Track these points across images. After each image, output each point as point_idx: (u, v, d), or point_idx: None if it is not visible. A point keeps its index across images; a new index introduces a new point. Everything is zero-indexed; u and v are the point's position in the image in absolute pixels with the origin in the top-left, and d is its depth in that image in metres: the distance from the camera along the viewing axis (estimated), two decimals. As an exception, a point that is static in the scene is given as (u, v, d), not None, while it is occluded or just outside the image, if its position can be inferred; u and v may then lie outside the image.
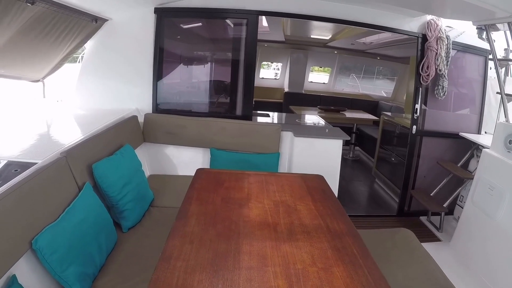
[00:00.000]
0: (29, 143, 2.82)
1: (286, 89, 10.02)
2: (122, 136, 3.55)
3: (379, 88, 10.63)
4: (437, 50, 4.72)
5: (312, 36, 8.32)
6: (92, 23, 3.88)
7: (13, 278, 1.75)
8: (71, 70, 4.90)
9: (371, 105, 10.05)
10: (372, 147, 7.51)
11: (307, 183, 3.10)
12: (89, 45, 4.38)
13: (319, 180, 3.22)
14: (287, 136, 4.37)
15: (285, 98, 9.74)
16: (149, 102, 4.43)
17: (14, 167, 2.40)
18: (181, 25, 4.72)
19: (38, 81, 4.38)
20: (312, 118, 6.24)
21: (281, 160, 4.32)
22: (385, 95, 10.43)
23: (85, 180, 2.63)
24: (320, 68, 10.74)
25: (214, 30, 4.83)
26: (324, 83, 10.61)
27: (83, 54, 4.58)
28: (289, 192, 2.86)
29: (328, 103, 9.52)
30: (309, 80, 10.39)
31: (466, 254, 4.09)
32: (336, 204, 2.74)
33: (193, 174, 3.93)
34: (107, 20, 4.17)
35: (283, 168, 4.40)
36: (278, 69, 10.38)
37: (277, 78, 10.39)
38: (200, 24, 4.73)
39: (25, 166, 2.27)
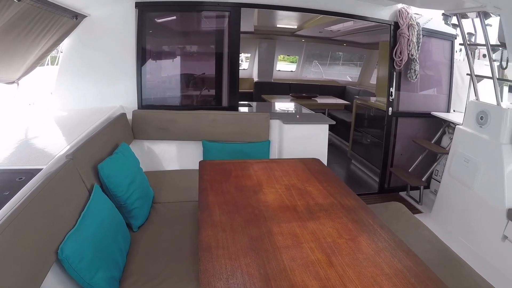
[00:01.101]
0: (23, 149, 2.74)
1: (256, 79, 10.13)
2: (115, 135, 3.50)
3: (345, 73, 10.94)
4: (409, 37, 5.01)
5: (280, 26, 8.47)
6: (72, 19, 3.77)
7: None
8: (42, 72, 4.79)
9: (339, 90, 10.38)
10: (345, 131, 7.81)
11: (308, 167, 3.26)
12: (66, 43, 4.22)
13: (317, 163, 3.39)
14: (275, 124, 4.50)
15: (255, 88, 9.84)
16: (134, 98, 4.37)
17: (17, 175, 2.19)
18: (163, 19, 4.68)
19: (12, 82, 4.20)
20: (291, 105, 6.41)
21: (271, 147, 4.44)
22: (350, 80, 10.74)
23: (91, 181, 2.58)
24: (287, 57, 10.89)
25: (196, 24, 4.84)
26: (292, 71, 10.81)
27: (60, 54, 4.49)
28: (295, 176, 3.00)
29: (297, 90, 9.71)
30: (277, 69, 10.55)
31: (447, 221, 4.38)
32: (340, 183, 2.93)
33: (187, 168, 4.03)
34: (86, 16, 4.04)
35: (273, 155, 4.52)
36: (247, 60, 10.44)
37: (245, 68, 10.46)
38: (182, 18, 4.73)
39: (28, 173, 2.18)
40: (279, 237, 2.01)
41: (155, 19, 4.56)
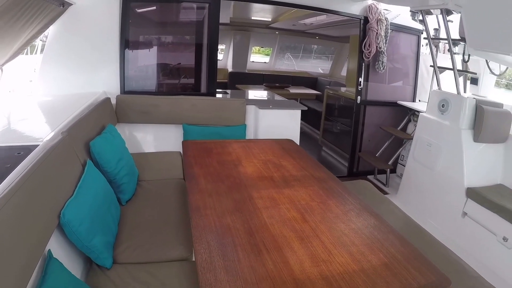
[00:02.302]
0: (17, 129, 2.87)
1: (230, 69, 10.29)
2: (101, 117, 3.62)
3: (317, 66, 11.32)
4: (377, 31, 5.38)
5: (255, 18, 8.67)
6: (59, 7, 3.83)
7: (49, 253, 1.78)
8: (21, 61, 4.81)
9: (311, 81, 10.76)
10: (315, 120, 8.14)
11: (282, 146, 3.58)
12: (51, 31, 4.28)
13: (291, 143, 3.72)
14: (251, 109, 4.75)
15: (229, 78, 10.00)
16: (117, 85, 4.48)
17: (15, 151, 2.29)
18: (146, 9, 4.77)
19: (-3, 69, 4.22)
20: (265, 93, 6.71)
21: (247, 131, 4.69)
22: (322, 71, 11.13)
23: (84, 157, 2.74)
24: (262, 50, 11.13)
25: (178, 15, 4.98)
26: (265, 62, 11.05)
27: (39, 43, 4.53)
28: (271, 153, 3.31)
29: (271, 80, 10.01)
30: (251, 60, 10.76)
31: (411, 202, 4.76)
32: (312, 159, 3.27)
33: (168, 150, 4.24)
34: (72, 4, 4.09)
35: (249, 138, 4.76)
36: (221, 52, 10.59)
37: (220, 59, 10.62)
38: (164, 8, 4.83)
39: (26, 148, 2.28)
40: (259, 200, 2.31)
41: (138, 9, 4.64)
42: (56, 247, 1.96)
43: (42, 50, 4.85)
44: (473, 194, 4.11)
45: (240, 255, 1.72)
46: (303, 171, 2.93)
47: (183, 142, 3.41)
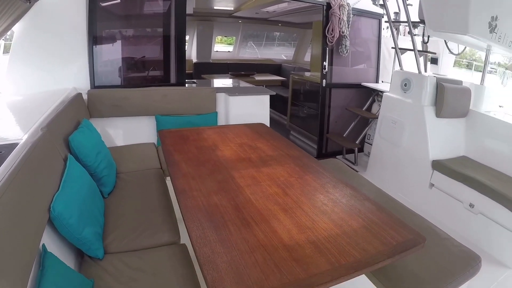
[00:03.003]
0: None
1: (195, 60, 10.30)
2: (75, 113, 3.61)
3: (280, 53, 11.50)
4: (340, 16, 5.56)
5: (217, 8, 8.76)
6: (25, 3, 3.70)
7: (44, 248, 1.81)
8: None
9: (275, 68, 10.96)
10: (282, 105, 8.30)
11: (255, 129, 3.71)
12: (18, 29, 4.17)
13: (263, 126, 3.88)
14: (221, 97, 4.86)
15: (195, 68, 9.99)
16: (86, 80, 4.44)
17: None
18: (112, 2, 4.70)
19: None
20: (232, 81, 6.82)
21: (219, 118, 4.80)
22: (285, 58, 11.31)
23: (64, 152, 2.76)
24: (224, 39, 11.19)
25: (145, 7, 4.94)
26: (229, 51, 11.13)
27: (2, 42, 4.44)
28: (245, 137, 3.44)
29: (235, 69, 10.13)
30: (215, 49, 10.80)
31: (380, 177, 4.99)
32: (285, 140, 3.42)
33: (143, 142, 4.30)
34: (38, 0, 3.92)
35: (221, 124, 4.85)
36: (186, 42, 10.57)
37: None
38: (131, 1, 4.79)
39: (6, 147, 2.24)
40: (241, 179, 2.44)
41: (105, 3, 4.59)
42: (49, 242, 2.00)
43: (4, 50, 4.78)
44: (439, 166, 4.36)
45: (231, 229, 1.84)
46: (278, 151, 3.08)
47: (159, 132, 3.47)
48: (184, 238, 2.50)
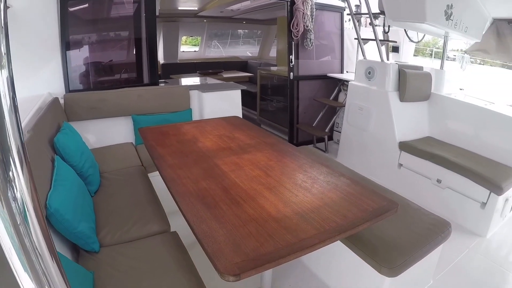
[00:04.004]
0: None
1: (162, 61, 10.34)
2: (54, 118, 3.65)
3: (245, 50, 11.69)
4: (303, 11, 5.82)
5: (182, 8, 8.90)
6: None
7: None
8: None
9: (241, 65, 11.21)
10: (251, 101, 8.52)
11: (231, 121, 3.89)
12: None
13: (238, 119, 4.07)
14: (194, 94, 5.01)
15: (162, 69, 9.90)
16: (61, 85, 4.46)
17: None
18: (83, 6, 4.73)
19: None
20: (202, 79, 6.96)
21: (193, 114, 4.96)
22: (250, 55, 11.52)
23: (50, 154, 2.85)
24: (189, 40, 11.26)
25: (115, 10, 5.03)
26: (195, 51, 11.22)
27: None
28: (222, 129, 3.61)
29: (203, 68, 10.27)
30: (181, 50, 10.90)
31: (351, 162, 5.22)
32: (260, 129, 3.62)
33: (121, 142, 4.40)
34: (9, 7, 3.88)
35: (196, 121, 5.01)
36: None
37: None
38: (102, 5, 4.87)
39: None
40: (224, 166, 2.61)
41: (75, 7, 4.62)
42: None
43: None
44: (405, 146, 4.65)
45: (223, 207, 2.00)
46: (255, 139, 3.28)
47: (139, 130, 3.57)
48: (174, 227, 2.68)
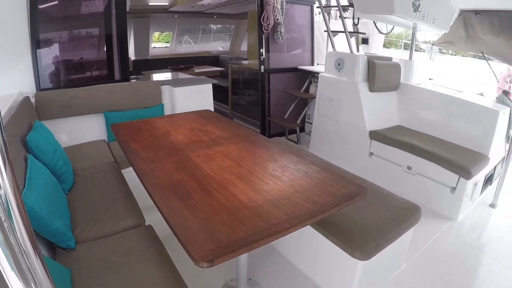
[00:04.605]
0: None
1: (133, 58, 10.26)
2: (25, 116, 3.62)
3: (216, 45, 11.71)
4: (274, 4, 5.89)
5: (152, 4, 8.87)
6: None
7: None
8: None
9: (212, 59, 11.25)
10: (223, 95, 8.57)
11: (202, 115, 3.93)
12: None
13: (209, 112, 4.11)
14: (166, 89, 5.01)
15: (134, 66, 9.95)
16: (32, 83, 4.42)
17: None
18: (54, 3, 4.66)
19: None
20: (174, 74, 6.96)
21: (165, 109, 4.96)
22: (221, 49, 11.54)
23: (22, 153, 2.83)
24: (162, 37, 11.20)
25: (86, 6, 4.97)
26: (166, 47, 11.16)
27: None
28: (194, 122, 3.64)
29: (175, 63, 10.26)
30: (153, 46, 10.80)
31: (323, 152, 5.32)
32: (232, 122, 3.67)
33: (93, 139, 4.38)
34: None
35: (168, 116, 5.02)
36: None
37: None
38: (72, 2, 4.81)
39: None
40: (197, 158, 2.65)
41: (45, 4, 4.53)
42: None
43: None
44: (376, 135, 4.76)
45: (196, 198, 2.04)
46: (227, 132, 3.32)
47: (111, 126, 3.56)
48: (149, 221, 2.71)
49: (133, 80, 5.23)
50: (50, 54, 4.69)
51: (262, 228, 1.74)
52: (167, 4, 8.88)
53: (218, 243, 1.63)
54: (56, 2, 4.63)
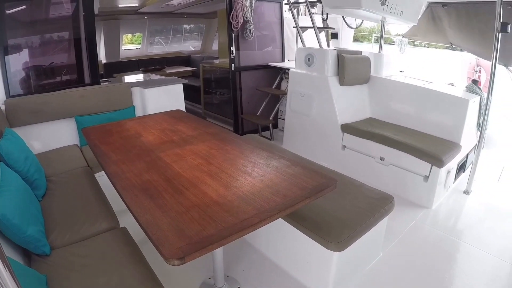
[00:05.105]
0: None
1: (104, 60, 10.14)
2: None
3: (188, 45, 11.69)
4: (242, 2, 5.91)
5: (122, 5, 8.80)
6: None
7: None
8: None
9: (184, 60, 11.25)
10: (195, 95, 8.58)
11: (173, 115, 3.95)
12: None
13: (180, 112, 4.13)
14: (136, 91, 5.00)
15: (105, 69, 9.76)
16: (1, 90, 4.36)
17: None
18: (22, 7, 4.62)
19: None
20: (145, 76, 6.93)
21: (136, 111, 4.95)
22: (193, 49, 11.52)
23: None
24: (134, 39, 11.11)
25: (53, 10, 4.91)
26: (137, 48, 11.07)
27: None
28: (165, 123, 3.65)
29: (146, 65, 10.25)
30: (123, 48, 10.70)
31: (296, 148, 5.38)
32: (203, 121, 3.69)
33: (66, 144, 4.33)
34: None
35: (140, 118, 4.99)
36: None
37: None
38: (39, 6, 4.73)
39: None
40: (167, 158, 2.66)
41: (13, 9, 4.51)
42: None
43: None
44: (348, 128, 4.82)
45: (166, 197, 2.05)
46: (197, 131, 3.35)
47: (82, 130, 3.53)
48: (124, 223, 2.71)
49: (103, 83, 5.18)
50: (19, 60, 4.64)
51: (232, 224, 1.76)
52: (136, 5, 8.82)
53: (188, 240, 1.64)
54: (23, 6, 4.58)
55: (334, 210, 2.72)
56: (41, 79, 4.96)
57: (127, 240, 2.50)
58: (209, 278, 2.97)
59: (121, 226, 2.78)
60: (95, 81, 4.97)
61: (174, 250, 1.57)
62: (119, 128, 3.53)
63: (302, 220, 2.67)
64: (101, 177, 3.51)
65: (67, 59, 5.11)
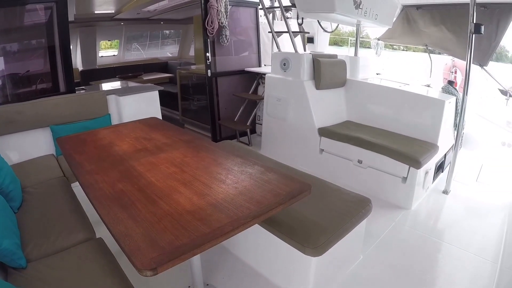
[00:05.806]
0: None
1: (81, 68, 10.02)
2: None
3: (165, 51, 11.69)
4: (217, 8, 5.89)
5: (98, 12, 8.74)
6: None
7: None
8: None
9: (161, 66, 11.20)
10: (172, 102, 8.58)
11: (148, 123, 3.93)
12: None
13: (155, 119, 4.12)
14: (112, 99, 4.96)
15: (81, 76, 9.63)
16: None
17: None
18: None
19: None
20: (119, 83, 6.90)
21: (112, 119, 4.91)
22: (170, 55, 11.51)
23: None
24: (115, 44, 11.04)
25: (27, 18, 4.85)
26: (114, 55, 10.99)
27: None
28: (139, 131, 3.63)
29: (123, 72, 10.16)
30: (100, 55, 10.59)
31: (274, 151, 5.44)
32: (178, 128, 3.68)
33: (41, 154, 4.29)
34: None
35: (116, 126, 4.95)
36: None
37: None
38: (10, 12, 4.65)
39: None
40: (141, 167, 2.64)
41: None
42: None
43: None
44: (325, 132, 4.86)
45: (139, 206, 2.04)
46: (172, 138, 3.33)
47: (57, 139, 3.49)
48: (99, 233, 2.69)
49: (79, 92, 5.12)
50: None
51: (204, 233, 1.76)
52: (113, 11, 8.77)
53: (161, 250, 1.64)
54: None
55: (311, 215, 2.73)
56: (16, 88, 4.92)
57: (103, 251, 2.49)
58: (189, 286, 2.96)
59: (97, 236, 2.76)
60: (70, 89, 4.90)
61: (147, 261, 1.56)
62: (94, 137, 3.49)
63: (279, 226, 2.68)
64: (77, 187, 3.43)
65: (42, 67, 5.04)
